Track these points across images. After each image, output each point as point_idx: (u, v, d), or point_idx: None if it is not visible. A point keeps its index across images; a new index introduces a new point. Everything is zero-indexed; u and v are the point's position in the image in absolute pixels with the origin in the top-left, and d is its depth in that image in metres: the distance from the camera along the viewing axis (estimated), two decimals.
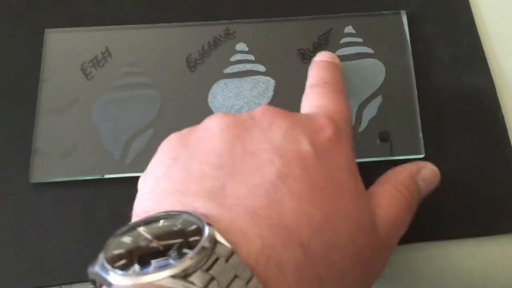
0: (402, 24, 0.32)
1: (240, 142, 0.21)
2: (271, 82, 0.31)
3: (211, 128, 0.22)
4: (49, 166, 0.28)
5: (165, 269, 0.16)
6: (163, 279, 0.16)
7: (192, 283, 0.16)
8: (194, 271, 0.16)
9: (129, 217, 0.21)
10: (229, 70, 0.31)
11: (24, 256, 0.27)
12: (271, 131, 0.21)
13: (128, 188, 0.24)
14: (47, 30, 0.32)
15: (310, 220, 0.19)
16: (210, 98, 0.30)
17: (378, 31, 0.32)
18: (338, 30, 0.32)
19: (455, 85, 0.31)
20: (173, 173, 0.21)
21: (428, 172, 0.25)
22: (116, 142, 0.29)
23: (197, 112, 0.30)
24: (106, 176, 0.28)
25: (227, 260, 0.17)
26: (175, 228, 0.18)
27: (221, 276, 0.16)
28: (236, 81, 0.31)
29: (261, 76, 0.31)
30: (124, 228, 0.18)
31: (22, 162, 0.29)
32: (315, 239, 0.19)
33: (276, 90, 0.31)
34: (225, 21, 0.32)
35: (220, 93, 0.30)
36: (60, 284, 0.27)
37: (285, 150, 0.21)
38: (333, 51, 0.31)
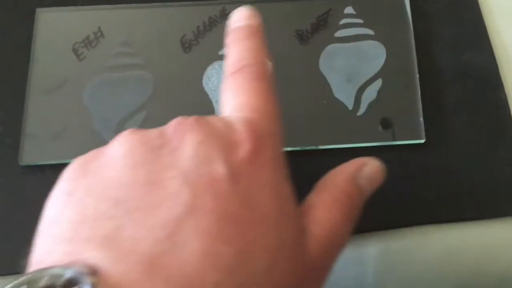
0: (404, 3, 0.31)
1: (144, 168, 0.18)
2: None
3: (114, 152, 0.19)
4: (39, 148, 0.28)
5: None
6: None
7: None
8: None
9: None
10: (224, 51, 0.30)
11: (13, 238, 0.26)
12: (181, 151, 0.19)
13: None
14: (38, 10, 0.31)
15: (218, 262, 0.17)
16: (204, 80, 0.29)
17: (379, 11, 0.31)
18: (337, 11, 0.31)
19: (457, 64, 0.30)
20: (66, 215, 0.18)
21: (370, 170, 0.23)
22: (107, 124, 0.28)
23: (191, 94, 0.29)
24: None
25: None
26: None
27: None
28: None
29: None
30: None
31: (12, 144, 0.28)
32: (223, 285, 0.17)
33: (273, 71, 0.30)
34: (221, 0, 0.31)
35: (215, 75, 0.30)
36: None
37: (195, 177, 0.18)
38: (332, 32, 0.31)
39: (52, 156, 0.28)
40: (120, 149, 0.19)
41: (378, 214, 0.27)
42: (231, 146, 0.19)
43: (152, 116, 0.29)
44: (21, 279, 0.16)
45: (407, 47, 0.30)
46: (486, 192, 0.28)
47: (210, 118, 0.20)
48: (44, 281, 0.16)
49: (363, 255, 0.27)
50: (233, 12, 0.25)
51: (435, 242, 0.28)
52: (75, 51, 0.30)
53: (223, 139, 0.19)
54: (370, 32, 0.31)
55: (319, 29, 0.31)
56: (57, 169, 0.29)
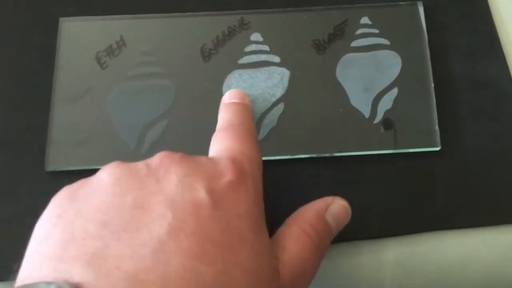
0: (419, 14, 0.32)
1: (131, 194, 0.20)
2: (286, 73, 0.31)
3: (102, 180, 0.21)
4: (65, 154, 0.29)
5: None
6: None
7: None
8: None
9: None
10: (243, 60, 0.31)
11: None
12: (166, 180, 0.20)
13: None
14: (61, 19, 0.32)
15: (199, 280, 0.18)
16: (224, 89, 0.30)
17: (395, 22, 0.32)
18: (354, 21, 0.32)
19: (471, 74, 0.31)
20: (55, 234, 0.19)
21: (337, 208, 0.24)
22: (131, 131, 0.29)
23: (211, 102, 0.30)
24: None
25: None
26: None
27: None
28: (250, 71, 0.31)
29: (276, 67, 0.31)
30: None
31: (38, 151, 0.29)
32: None
33: (291, 81, 0.30)
34: (239, 11, 0.32)
35: (235, 83, 0.30)
36: None
37: (179, 202, 0.19)
38: (349, 42, 0.31)
39: (77, 162, 0.28)
40: (108, 178, 0.21)
41: (394, 221, 0.28)
42: (214, 176, 0.21)
43: (173, 123, 0.29)
44: None
45: (422, 57, 0.31)
46: (501, 199, 0.28)
47: (196, 156, 0.22)
48: None
49: (380, 261, 0.28)
50: (229, 91, 0.29)
51: (451, 248, 0.28)
52: (98, 59, 0.31)
53: (206, 172, 0.21)
54: (386, 42, 0.31)
55: (336, 39, 0.31)
56: (83, 174, 0.30)
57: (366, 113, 0.30)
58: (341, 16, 0.32)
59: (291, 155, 0.29)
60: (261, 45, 0.31)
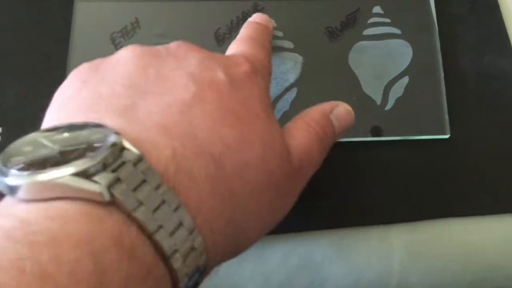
0: (430, 5, 0.32)
1: (154, 67, 0.21)
2: (299, 59, 0.31)
3: (124, 55, 0.21)
4: None
5: (66, 167, 0.15)
6: (63, 177, 0.15)
7: (95, 182, 0.15)
8: (98, 172, 0.15)
9: None
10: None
11: None
12: (186, 60, 0.21)
13: None
14: (77, 0, 0.32)
15: (222, 139, 0.19)
16: None
17: (406, 12, 0.32)
18: (366, 10, 0.32)
19: (480, 65, 0.32)
20: (82, 93, 0.20)
21: (341, 110, 0.25)
22: None
23: None
24: None
25: (134, 164, 0.16)
26: (80, 138, 0.17)
27: (128, 179, 0.16)
28: None
29: (289, 53, 0.31)
30: (24, 138, 0.17)
31: None
32: (227, 155, 0.19)
33: (304, 66, 0.31)
34: None
35: None
36: None
37: (200, 77, 0.20)
38: (361, 30, 0.32)
39: None
40: (130, 54, 0.21)
41: (403, 207, 0.28)
42: (230, 65, 0.22)
43: None
44: (45, 128, 0.18)
45: (432, 47, 0.31)
46: (508, 187, 0.29)
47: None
48: (67, 131, 0.17)
49: (389, 246, 0.28)
50: (256, 13, 0.29)
51: (458, 235, 0.29)
52: (112, 40, 0.31)
53: (223, 60, 0.22)
54: (397, 31, 0.32)
55: (348, 27, 0.32)
56: None
57: (378, 99, 0.30)
58: (353, 5, 0.32)
59: None
60: (275, 31, 0.31)
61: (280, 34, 0.31)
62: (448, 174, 0.29)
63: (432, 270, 0.29)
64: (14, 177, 0.15)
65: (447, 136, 0.29)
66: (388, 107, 0.30)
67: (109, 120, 0.18)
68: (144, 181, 0.16)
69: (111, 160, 0.16)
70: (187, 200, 0.17)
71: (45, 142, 0.17)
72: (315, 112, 0.24)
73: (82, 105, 0.19)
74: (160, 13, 0.32)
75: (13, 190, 0.15)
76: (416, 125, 0.30)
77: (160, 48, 0.22)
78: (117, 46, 0.31)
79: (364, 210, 0.29)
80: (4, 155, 0.16)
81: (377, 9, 0.32)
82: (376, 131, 0.29)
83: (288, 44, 0.31)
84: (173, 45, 0.22)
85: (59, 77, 0.30)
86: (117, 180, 0.16)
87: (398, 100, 0.30)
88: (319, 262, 0.28)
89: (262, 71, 0.23)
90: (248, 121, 0.20)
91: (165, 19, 0.31)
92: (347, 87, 0.30)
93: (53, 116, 0.20)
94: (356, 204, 0.28)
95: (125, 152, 0.16)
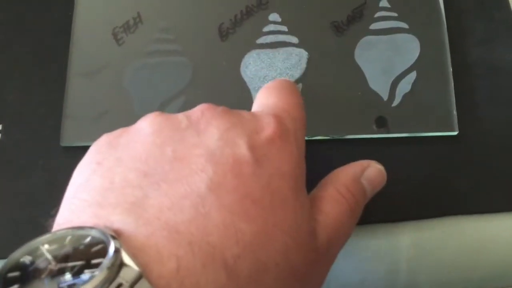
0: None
1: (171, 145, 0.19)
2: (304, 54, 0.30)
3: (143, 129, 0.20)
4: (80, 130, 0.28)
5: None
6: None
7: None
8: None
9: None
10: (261, 40, 0.31)
11: (54, 218, 0.27)
12: (207, 134, 0.20)
13: None
14: None
15: (239, 237, 0.17)
16: (242, 68, 0.30)
17: (413, 6, 0.32)
18: (372, 4, 0.31)
19: (489, 60, 0.31)
20: (94, 180, 0.19)
21: (373, 172, 0.24)
22: (148, 107, 0.29)
23: (229, 81, 0.29)
24: None
25: (132, 286, 0.15)
26: (81, 247, 0.16)
27: None
28: (269, 51, 0.30)
29: (294, 48, 0.30)
30: (27, 247, 0.17)
31: (53, 126, 0.28)
32: (242, 259, 0.17)
33: (309, 62, 0.30)
34: None
35: (253, 63, 0.30)
36: None
37: (220, 156, 0.19)
38: (367, 25, 0.31)
39: (93, 138, 0.27)
40: (148, 128, 0.20)
41: (410, 204, 0.28)
42: (255, 131, 0.20)
43: (191, 101, 0.29)
44: (48, 235, 0.17)
45: (440, 41, 0.31)
46: None
47: (238, 110, 0.21)
48: (69, 240, 0.17)
49: (397, 243, 0.28)
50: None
51: (466, 232, 0.28)
52: (114, 35, 0.30)
53: (248, 126, 0.20)
54: (404, 25, 0.31)
55: (354, 21, 0.31)
56: None
57: (385, 95, 0.29)
58: None
59: (309, 136, 0.29)
60: (280, 26, 0.31)
61: (285, 29, 0.31)
62: (457, 170, 0.29)
63: (441, 266, 0.28)
64: None
65: (455, 133, 0.29)
66: (395, 103, 0.29)
67: (116, 218, 0.17)
68: None
69: (107, 283, 0.15)
70: None
71: (45, 252, 0.17)
72: (346, 176, 0.23)
73: (92, 199, 0.18)
74: (163, 8, 0.31)
75: None
76: (423, 122, 0.29)
77: (181, 117, 0.21)
78: (119, 41, 0.30)
79: (371, 208, 0.28)
80: (2, 268, 0.16)
81: (383, 3, 0.32)
82: (381, 122, 0.29)
83: (293, 39, 0.31)
84: (196, 112, 0.21)
85: (60, 73, 0.29)
86: None
87: (405, 96, 0.29)
88: None
89: (294, 130, 0.21)
90: (272, 212, 0.19)
91: (168, 14, 0.31)
92: (353, 82, 0.30)
93: (65, 208, 0.19)
94: None
95: (124, 270, 0.16)
